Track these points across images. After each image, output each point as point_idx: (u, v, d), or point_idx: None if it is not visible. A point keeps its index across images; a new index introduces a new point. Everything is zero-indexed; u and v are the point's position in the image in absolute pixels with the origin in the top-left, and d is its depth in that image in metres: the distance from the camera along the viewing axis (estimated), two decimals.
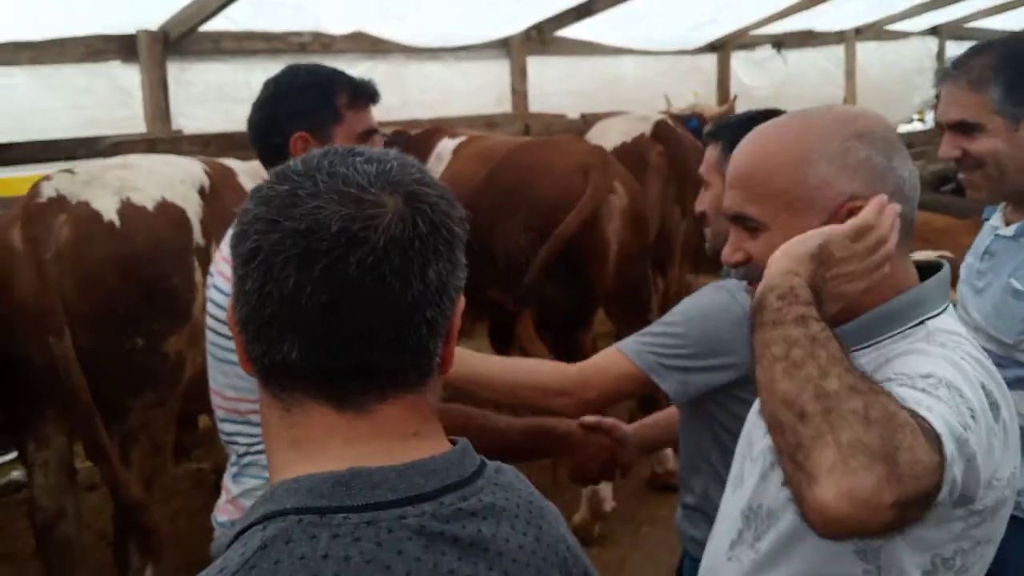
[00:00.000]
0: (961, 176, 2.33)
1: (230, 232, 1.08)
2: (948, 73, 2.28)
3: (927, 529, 1.30)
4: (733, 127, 2.16)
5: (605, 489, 4.45)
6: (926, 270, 1.52)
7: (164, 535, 3.95)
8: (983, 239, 2.41)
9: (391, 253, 0.97)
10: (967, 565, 1.39)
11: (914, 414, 1.16)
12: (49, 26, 5.30)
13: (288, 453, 1.02)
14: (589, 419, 2.33)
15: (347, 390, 1.01)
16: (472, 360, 2.23)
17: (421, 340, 1.02)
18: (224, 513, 2.32)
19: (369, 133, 2.34)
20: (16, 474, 4.97)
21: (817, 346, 1.20)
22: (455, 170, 5.03)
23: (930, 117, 11.47)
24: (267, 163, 2.33)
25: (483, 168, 4.75)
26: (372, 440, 1.02)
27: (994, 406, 1.31)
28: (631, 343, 2.20)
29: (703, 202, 2.28)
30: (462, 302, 1.08)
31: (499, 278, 4.62)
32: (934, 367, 1.29)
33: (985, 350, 1.46)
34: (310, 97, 2.25)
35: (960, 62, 2.27)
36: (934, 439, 1.14)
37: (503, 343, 6.02)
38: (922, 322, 1.43)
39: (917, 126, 11.69)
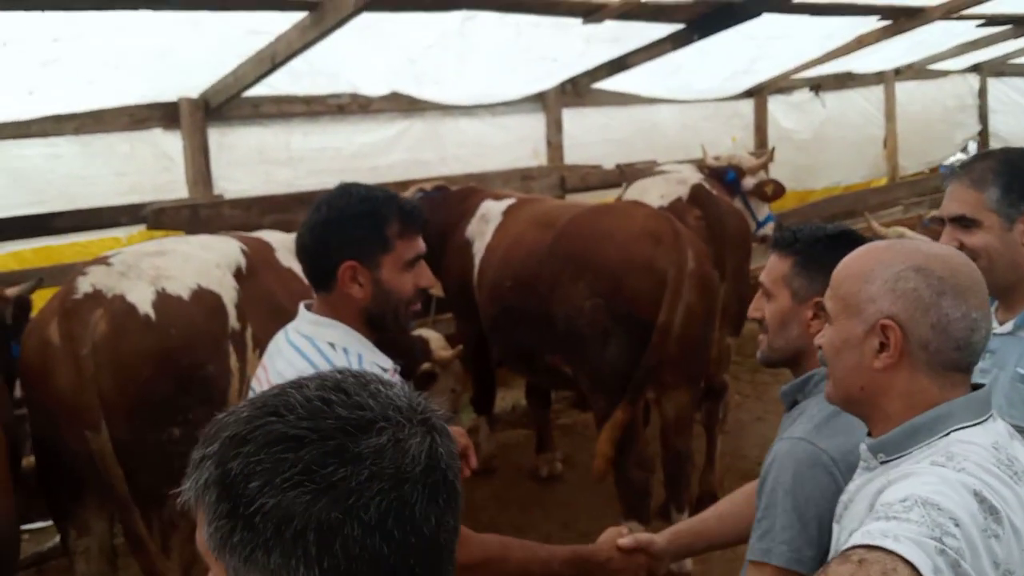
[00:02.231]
0: None
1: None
2: (955, 172, 2.47)
3: None
4: (806, 241, 2.19)
5: None
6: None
7: None
8: None
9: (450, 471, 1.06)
10: None
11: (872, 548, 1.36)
12: (94, 97, 5.43)
13: None
14: (625, 541, 2.36)
15: None
16: None
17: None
18: None
19: (417, 259, 2.34)
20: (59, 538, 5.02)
21: None
22: (516, 235, 5.02)
23: (973, 148, 11.34)
24: (314, 281, 2.35)
25: (547, 234, 4.74)
26: None
27: (990, 510, 1.46)
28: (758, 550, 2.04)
29: (760, 310, 2.25)
30: None
31: (558, 344, 4.61)
32: (913, 488, 1.48)
33: None
34: (362, 226, 2.26)
35: (966, 164, 2.49)
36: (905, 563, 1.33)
37: (540, 403, 6.01)
38: (948, 433, 1.61)
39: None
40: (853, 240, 2.14)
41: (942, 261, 1.66)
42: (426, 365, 5.02)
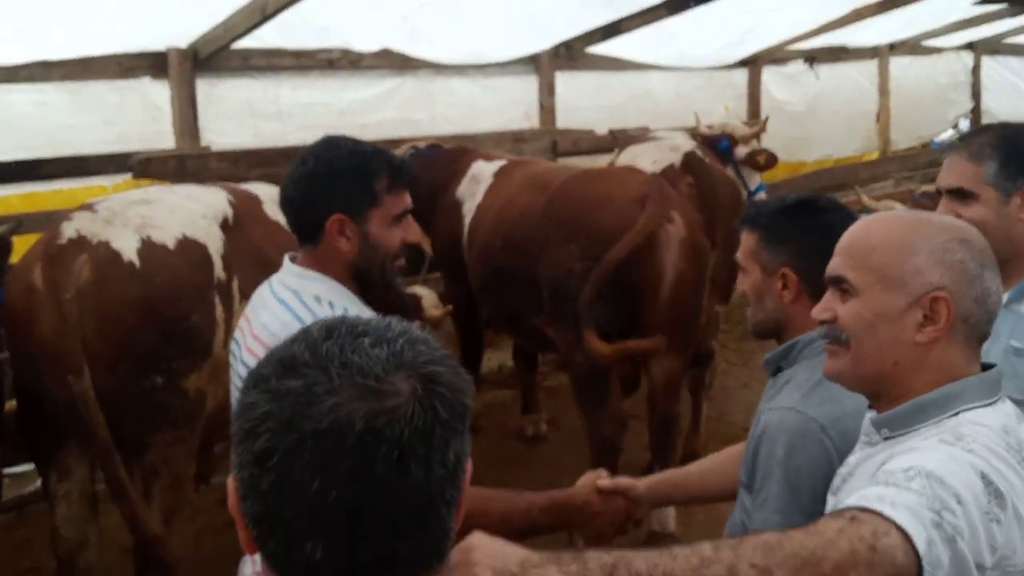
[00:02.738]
0: None
1: (241, 387, 1.05)
2: (954, 145, 2.50)
3: None
4: (768, 215, 2.23)
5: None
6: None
7: (188, 555, 3.97)
8: None
9: (415, 444, 0.97)
10: None
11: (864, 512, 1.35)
12: (82, 44, 5.37)
13: None
14: (605, 483, 2.37)
15: None
16: None
17: (442, 521, 1.01)
18: None
19: (405, 214, 2.33)
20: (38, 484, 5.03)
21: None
22: (508, 196, 4.99)
23: (964, 125, 11.34)
24: (300, 234, 2.33)
25: (540, 196, 4.71)
26: None
27: (995, 493, 1.44)
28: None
29: (743, 284, 2.30)
30: (470, 467, 1.06)
31: (544, 306, 4.61)
32: (918, 460, 1.45)
33: None
34: (350, 179, 2.25)
35: (965, 137, 2.52)
36: (896, 530, 1.33)
37: (527, 365, 6.03)
38: (957, 412, 1.59)
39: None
40: (812, 208, 2.21)
41: (974, 234, 1.66)
42: (416, 324, 4.99)
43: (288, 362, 0.99)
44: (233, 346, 2.37)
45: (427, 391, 0.99)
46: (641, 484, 2.44)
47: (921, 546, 1.32)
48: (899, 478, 1.42)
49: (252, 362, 2.21)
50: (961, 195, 2.39)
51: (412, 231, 2.36)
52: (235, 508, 1.02)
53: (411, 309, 4.94)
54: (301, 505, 0.95)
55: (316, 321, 1.06)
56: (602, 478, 2.40)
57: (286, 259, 2.36)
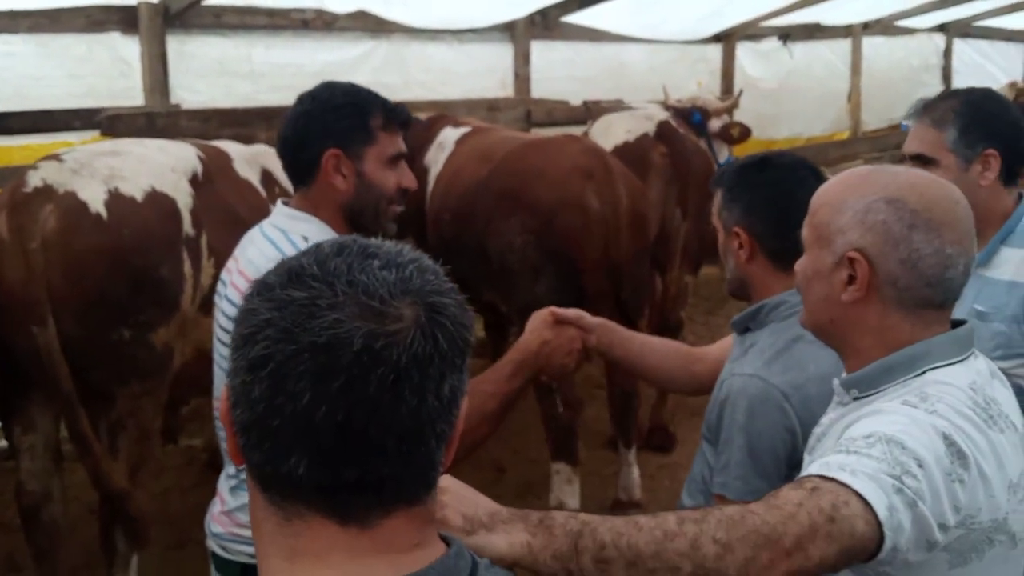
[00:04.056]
0: None
1: (232, 300, 1.03)
2: (918, 111, 2.51)
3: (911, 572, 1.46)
4: (728, 174, 2.27)
5: (573, 503, 4.48)
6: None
7: (155, 513, 3.95)
8: None
9: (411, 371, 0.95)
10: None
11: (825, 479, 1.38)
12: None
13: (286, 563, 1.00)
14: (558, 311, 2.41)
15: (352, 504, 0.98)
16: None
17: (430, 453, 1.00)
18: (220, 524, 2.33)
19: (399, 157, 2.34)
20: (4, 442, 4.97)
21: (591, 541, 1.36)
22: (457, 167, 4.95)
23: None
24: (295, 174, 2.35)
25: (483, 168, 4.68)
26: (375, 554, 0.99)
27: (958, 454, 1.44)
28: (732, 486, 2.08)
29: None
30: (466, 404, 1.05)
31: (493, 280, 4.60)
32: (879, 426, 1.46)
33: None
34: (345, 115, 2.26)
35: (930, 103, 2.52)
36: (858, 498, 1.35)
37: (498, 334, 6.03)
38: (923, 372, 1.58)
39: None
40: (763, 166, 2.21)
41: (919, 193, 1.60)
42: None
43: (296, 272, 0.98)
44: (219, 285, 2.40)
45: (430, 320, 0.97)
46: (592, 317, 2.47)
47: (882, 513, 1.34)
48: (860, 445, 1.43)
49: (236, 298, 2.24)
50: (923, 161, 2.41)
51: (407, 176, 2.38)
52: (225, 416, 1.00)
53: None
54: (290, 416, 0.94)
55: (329, 239, 1.05)
56: (550, 314, 2.41)
57: (279, 203, 2.40)
